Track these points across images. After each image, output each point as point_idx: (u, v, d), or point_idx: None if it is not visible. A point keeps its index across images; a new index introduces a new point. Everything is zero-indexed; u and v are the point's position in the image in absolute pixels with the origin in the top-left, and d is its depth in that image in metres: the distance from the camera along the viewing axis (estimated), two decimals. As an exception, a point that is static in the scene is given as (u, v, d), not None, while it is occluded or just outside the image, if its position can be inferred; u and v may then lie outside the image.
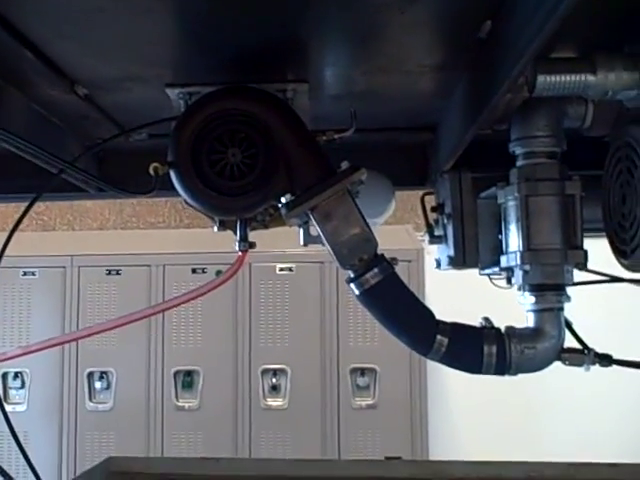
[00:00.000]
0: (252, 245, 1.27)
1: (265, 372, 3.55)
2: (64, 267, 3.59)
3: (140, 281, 3.56)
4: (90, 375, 3.54)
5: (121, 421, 3.52)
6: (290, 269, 3.58)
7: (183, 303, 1.41)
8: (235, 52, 1.18)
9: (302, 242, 1.53)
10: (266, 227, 1.33)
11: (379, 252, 1.15)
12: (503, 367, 1.15)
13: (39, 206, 4.18)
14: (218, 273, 3.57)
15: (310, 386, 3.51)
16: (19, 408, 3.54)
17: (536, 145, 1.17)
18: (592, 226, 1.22)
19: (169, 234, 4.11)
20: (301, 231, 1.45)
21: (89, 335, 1.44)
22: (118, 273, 3.57)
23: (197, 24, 1.07)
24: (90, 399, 3.54)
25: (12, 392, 3.61)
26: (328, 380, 3.52)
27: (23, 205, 1.29)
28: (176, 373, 3.55)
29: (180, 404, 3.56)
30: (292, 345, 3.54)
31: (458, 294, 3.26)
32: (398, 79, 1.29)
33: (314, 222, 1.14)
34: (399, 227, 3.60)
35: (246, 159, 1.14)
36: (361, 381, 3.54)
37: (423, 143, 1.64)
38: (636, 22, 1.02)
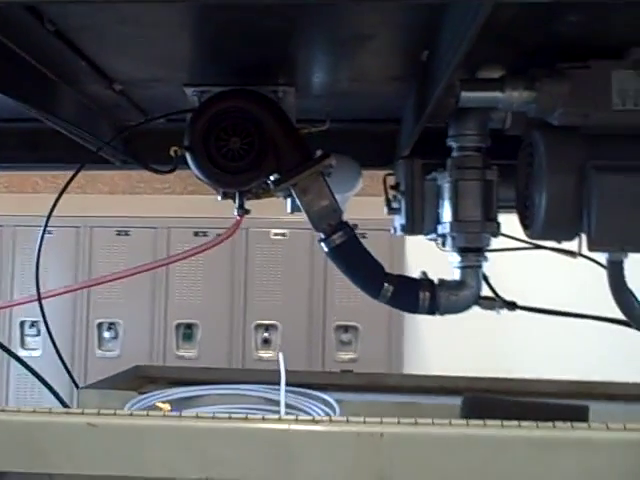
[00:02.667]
0: (247, 212, 1.63)
1: (258, 327, 3.94)
2: (78, 227, 3.95)
3: (147, 242, 3.93)
4: (100, 325, 3.93)
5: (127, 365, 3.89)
6: (284, 234, 3.95)
7: (185, 258, 1.77)
8: (238, 62, 1.52)
9: (289, 210, 1.90)
10: (259, 198, 1.69)
11: (345, 219, 1.52)
12: (433, 308, 1.52)
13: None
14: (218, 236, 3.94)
15: (299, 341, 3.91)
16: (35, 353, 3.93)
17: (466, 141, 1.53)
18: (509, 204, 1.58)
19: (174, 199, 4.47)
20: (288, 201, 1.82)
21: (99, 284, 1.79)
22: (127, 234, 3.94)
23: (209, 41, 1.42)
24: (99, 347, 3.94)
25: (28, 339, 3.99)
26: (315, 335, 3.91)
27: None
28: (177, 325, 3.94)
29: (180, 354, 3.95)
30: (283, 303, 3.92)
31: (434, 258, 3.63)
32: (366, 85, 1.65)
33: (294, 195, 1.51)
34: (378, 199, 3.96)
35: (244, 145, 1.50)
36: (344, 337, 3.94)
37: (391, 132, 2.00)
38: (538, 52, 1.37)
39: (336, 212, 1.50)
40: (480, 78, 1.41)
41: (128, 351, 3.90)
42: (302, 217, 1.78)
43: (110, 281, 1.80)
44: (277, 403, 1.11)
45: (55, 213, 4.37)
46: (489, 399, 0.98)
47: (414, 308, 1.51)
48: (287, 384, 1.22)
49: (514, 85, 1.36)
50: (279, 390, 1.12)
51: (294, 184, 1.48)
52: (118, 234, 3.92)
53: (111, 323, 3.91)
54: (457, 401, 1.12)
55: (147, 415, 0.81)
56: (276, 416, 0.82)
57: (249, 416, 0.77)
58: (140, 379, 1.46)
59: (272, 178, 1.49)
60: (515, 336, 4.14)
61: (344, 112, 1.85)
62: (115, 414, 0.79)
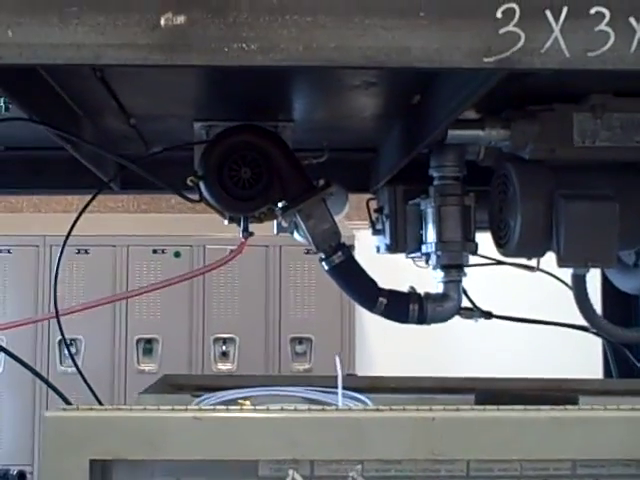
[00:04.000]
0: (251, 234, 1.81)
1: (216, 340, 4.09)
2: (37, 246, 4.02)
3: (106, 260, 4.03)
4: (60, 342, 4.00)
5: (89, 381, 3.98)
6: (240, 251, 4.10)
7: (191, 278, 1.93)
8: (243, 100, 1.70)
9: (275, 232, 2.08)
10: (261, 221, 1.86)
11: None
12: (422, 319, 1.72)
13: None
14: (177, 254, 4.08)
15: (255, 352, 4.07)
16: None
17: (446, 172, 1.74)
18: (485, 225, 1.80)
19: (130, 218, 4.58)
20: (275, 223, 2.00)
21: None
22: (87, 252, 4.04)
23: (217, 83, 1.59)
24: (61, 363, 4.01)
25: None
26: (271, 347, 4.08)
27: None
28: (138, 340, 4.05)
29: (141, 368, 4.06)
30: (240, 317, 4.08)
31: (380, 271, 3.88)
32: (355, 120, 1.85)
33: (299, 219, 1.69)
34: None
35: (253, 175, 1.67)
36: (299, 348, 4.12)
37: (367, 161, 2.21)
38: (509, 99, 1.59)
39: (336, 234, 1.69)
40: (463, 119, 1.62)
41: (89, 366, 3.98)
42: (255, 234, 1.89)
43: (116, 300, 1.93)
44: (316, 402, 1.29)
45: (12, 233, 4.42)
46: (500, 392, 1.18)
47: (405, 319, 1.72)
48: (301, 386, 1.41)
49: (492, 125, 1.58)
50: (314, 391, 1.31)
51: (299, 210, 1.66)
52: (77, 252, 4.01)
53: (72, 339, 3.99)
54: (456, 397, 1.32)
55: (240, 409, 0.99)
56: (346, 406, 0.99)
57: (325, 407, 0.95)
58: (172, 387, 1.61)
59: (280, 205, 1.67)
60: (458, 341, 4.42)
61: (329, 142, 2.04)
62: (215, 409, 0.96)
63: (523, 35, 1.03)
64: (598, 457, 0.99)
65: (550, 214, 1.59)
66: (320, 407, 0.96)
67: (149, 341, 4.06)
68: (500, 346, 4.56)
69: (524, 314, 1.89)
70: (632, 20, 1.04)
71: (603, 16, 1.03)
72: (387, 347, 4.47)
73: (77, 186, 2.05)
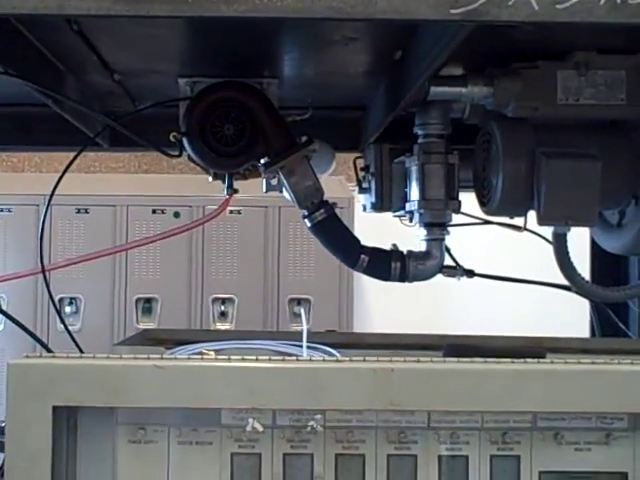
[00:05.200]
0: (236, 191, 1.81)
1: (215, 300, 4.12)
2: (38, 205, 4.04)
3: (106, 220, 4.06)
4: (61, 300, 4.04)
5: (89, 342, 4.03)
6: (239, 212, 4.12)
7: (176, 234, 1.94)
8: (227, 56, 1.69)
9: (264, 190, 2.08)
10: (246, 178, 1.87)
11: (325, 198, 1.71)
12: (404, 277, 1.73)
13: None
14: (176, 214, 4.10)
15: (254, 313, 4.10)
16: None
17: (430, 129, 1.73)
18: (469, 184, 1.80)
19: (131, 178, 4.59)
20: (264, 181, 2.00)
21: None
22: (87, 212, 4.06)
23: (201, 38, 1.58)
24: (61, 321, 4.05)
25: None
26: (269, 308, 4.11)
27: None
28: (137, 300, 4.09)
29: (140, 327, 4.09)
30: (239, 277, 4.11)
31: (378, 233, 3.89)
32: (340, 77, 1.84)
33: (281, 176, 1.69)
34: (334, 178, 4.18)
35: (237, 132, 1.66)
36: (297, 309, 4.15)
37: (356, 119, 2.20)
38: (494, 56, 1.58)
39: (318, 191, 1.69)
40: (445, 75, 1.61)
41: (89, 325, 4.03)
42: (255, 195, 1.92)
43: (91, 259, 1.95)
44: (282, 354, 1.30)
45: (13, 192, 4.45)
46: (467, 346, 1.19)
47: (387, 276, 1.72)
48: (271, 339, 1.43)
49: (475, 82, 1.57)
50: (290, 345, 1.32)
51: (282, 166, 1.66)
52: (78, 212, 4.03)
53: (72, 298, 4.03)
54: (430, 353, 1.33)
55: (202, 358, 1.00)
56: (307, 357, 1.00)
57: (285, 358, 0.96)
58: (150, 340, 1.63)
59: (262, 161, 1.67)
60: (455, 302, 4.43)
61: (316, 100, 2.03)
62: (176, 358, 0.97)
63: (491, -15, 1.01)
64: (558, 410, 1.00)
65: (532, 172, 1.58)
66: (280, 357, 0.98)
67: (148, 300, 4.10)
68: (501, 308, 4.57)
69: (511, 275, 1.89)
70: (602, -28, 1.02)
71: (573, -33, 1.02)
72: (385, 308, 4.49)
73: (67, 143, 2.05)
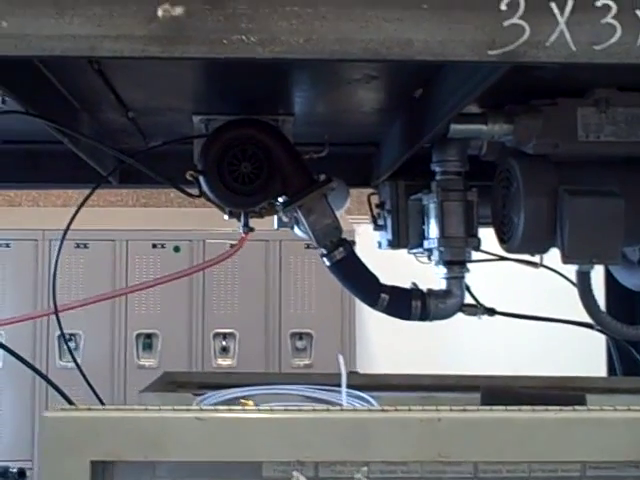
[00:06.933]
0: (252, 229, 1.79)
1: (216, 335, 4.07)
2: (36, 240, 4.00)
3: (106, 254, 4.01)
4: (59, 337, 3.99)
5: (89, 378, 3.97)
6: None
7: (192, 274, 1.91)
8: (242, 94, 1.68)
9: (276, 226, 2.06)
10: (261, 216, 1.84)
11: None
12: (424, 316, 1.70)
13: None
14: (176, 249, 4.06)
15: (256, 348, 4.05)
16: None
17: (448, 166, 1.72)
18: (487, 220, 1.78)
19: (130, 212, 4.55)
20: (275, 218, 1.98)
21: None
22: (86, 247, 4.01)
23: (217, 76, 1.57)
24: (60, 358, 3.99)
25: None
26: (271, 343, 4.06)
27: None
28: (138, 335, 4.03)
29: (141, 363, 4.04)
30: (240, 312, 4.07)
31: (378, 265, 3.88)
32: (354, 114, 1.83)
33: (300, 215, 1.67)
34: (335, 211, 4.17)
35: (254, 170, 1.64)
36: (299, 344, 4.11)
37: (368, 155, 2.19)
38: (512, 92, 1.57)
39: (337, 229, 1.67)
40: (466, 113, 1.60)
41: (89, 361, 3.96)
42: (257, 229, 1.88)
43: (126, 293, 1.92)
44: (319, 401, 1.27)
45: (11, 226, 4.40)
46: (504, 390, 1.17)
47: (407, 315, 1.70)
48: (303, 384, 1.39)
49: (495, 119, 1.56)
50: (316, 389, 1.29)
51: (300, 205, 1.64)
52: (77, 247, 3.99)
53: (71, 334, 3.97)
54: (459, 395, 1.31)
55: (243, 409, 0.97)
56: (352, 407, 0.97)
57: (329, 408, 0.93)
58: (170, 385, 1.59)
59: (280, 200, 1.65)
60: (458, 333, 4.41)
61: (330, 137, 2.02)
62: (217, 409, 0.94)
63: (528, 28, 1.00)
64: (608, 459, 0.98)
65: (554, 210, 1.57)
66: (324, 407, 0.95)
67: (149, 336, 4.05)
68: (501, 343, 4.55)
69: (527, 311, 1.87)
70: (638, 13, 1.02)
71: (609, 9, 1.01)
72: (387, 343, 4.46)
73: (75, 180, 2.03)
